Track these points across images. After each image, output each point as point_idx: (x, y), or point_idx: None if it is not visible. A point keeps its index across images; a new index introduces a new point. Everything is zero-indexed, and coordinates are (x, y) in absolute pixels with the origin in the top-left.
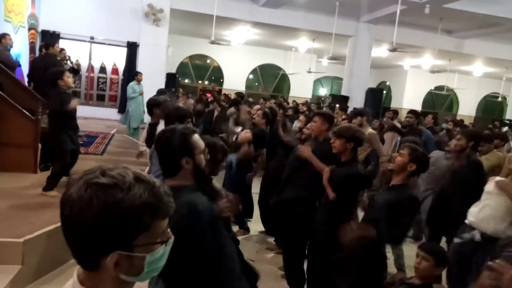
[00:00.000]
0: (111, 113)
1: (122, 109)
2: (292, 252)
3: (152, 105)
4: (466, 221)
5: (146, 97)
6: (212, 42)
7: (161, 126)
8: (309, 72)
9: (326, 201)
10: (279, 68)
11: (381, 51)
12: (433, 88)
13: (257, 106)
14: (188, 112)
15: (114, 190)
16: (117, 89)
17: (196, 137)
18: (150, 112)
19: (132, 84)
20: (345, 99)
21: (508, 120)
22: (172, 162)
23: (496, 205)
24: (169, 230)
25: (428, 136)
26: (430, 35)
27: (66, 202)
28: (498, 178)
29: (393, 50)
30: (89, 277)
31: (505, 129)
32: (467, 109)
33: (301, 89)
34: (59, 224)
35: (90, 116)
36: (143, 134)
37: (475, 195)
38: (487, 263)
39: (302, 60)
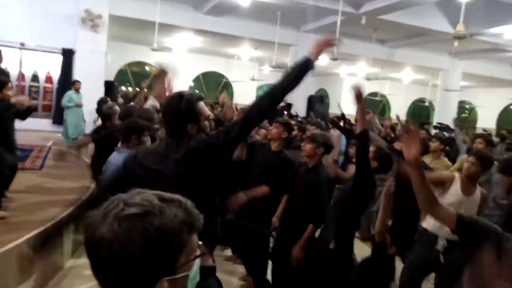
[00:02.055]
0: (45, 124)
1: (57, 119)
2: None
3: (132, 130)
4: (425, 226)
5: (85, 107)
6: (154, 50)
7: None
8: (253, 79)
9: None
10: (222, 76)
11: (320, 60)
12: (367, 94)
13: None
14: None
15: (150, 217)
16: (51, 98)
17: (202, 103)
18: (127, 139)
19: (70, 93)
20: (289, 106)
21: (439, 123)
22: (179, 126)
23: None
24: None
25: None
26: (366, 44)
27: (100, 245)
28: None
29: (334, 59)
30: None
31: (433, 132)
32: (398, 113)
33: (244, 96)
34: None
35: (22, 127)
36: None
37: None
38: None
39: (244, 68)
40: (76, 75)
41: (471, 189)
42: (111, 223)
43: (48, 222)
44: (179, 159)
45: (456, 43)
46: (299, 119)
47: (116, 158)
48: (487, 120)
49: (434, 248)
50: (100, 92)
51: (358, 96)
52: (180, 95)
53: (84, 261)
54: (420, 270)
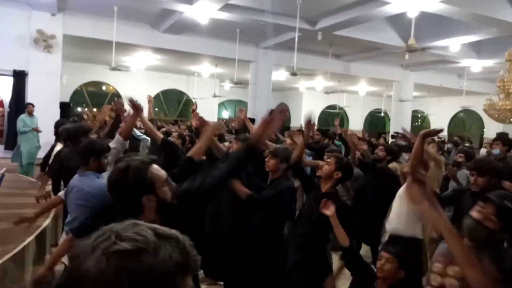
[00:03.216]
0: None
1: (10, 145)
2: None
3: (90, 152)
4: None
5: (41, 130)
6: (113, 69)
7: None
8: (215, 96)
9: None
10: (183, 93)
11: (279, 75)
12: (326, 107)
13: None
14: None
15: (141, 256)
16: (2, 122)
17: (155, 168)
18: (85, 162)
19: (23, 116)
20: (252, 121)
21: (395, 132)
22: (132, 203)
23: (398, 205)
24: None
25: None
26: (322, 59)
27: (83, 282)
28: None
29: (293, 74)
30: None
31: (390, 141)
32: (356, 124)
33: (206, 113)
34: None
35: None
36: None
37: (389, 202)
38: None
39: (205, 84)
40: (30, 97)
41: None
42: (99, 258)
43: (7, 254)
44: None
45: (407, 56)
46: None
47: (78, 180)
48: (439, 127)
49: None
50: (56, 115)
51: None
52: (125, 167)
53: None
54: None
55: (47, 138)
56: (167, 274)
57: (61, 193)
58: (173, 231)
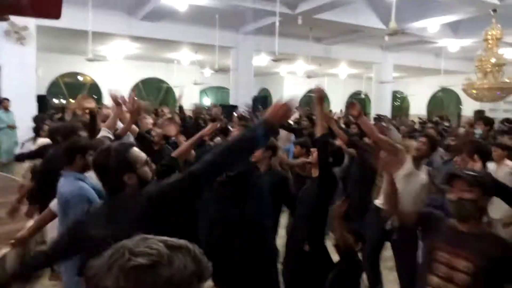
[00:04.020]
0: None
1: None
2: None
3: (75, 150)
4: (377, 204)
5: (18, 125)
6: (90, 60)
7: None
8: (195, 84)
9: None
10: (163, 81)
11: (261, 60)
12: (307, 91)
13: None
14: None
15: (158, 269)
16: None
17: (135, 150)
18: (70, 160)
19: None
20: (234, 107)
21: (377, 115)
22: (114, 182)
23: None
24: None
25: None
26: (303, 43)
27: None
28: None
29: (277, 60)
30: None
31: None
32: (337, 107)
33: (187, 101)
34: None
35: None
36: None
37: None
38: None
39: (185, 72)
40: (4, 92)
41: (418, 166)
42: (116, 276)
43: None
44: (133, 218)
45: (386, 38)
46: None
47: (64, 184)
48: (418, 107)
49: (386, 224)
50: (33, 108)
51: (320, 98)
52: (107, 148)
53: None
54: (376, 244)
55: (24, 133)
56: (184, 283)
57: (52, 204)
58: (183, 241)
